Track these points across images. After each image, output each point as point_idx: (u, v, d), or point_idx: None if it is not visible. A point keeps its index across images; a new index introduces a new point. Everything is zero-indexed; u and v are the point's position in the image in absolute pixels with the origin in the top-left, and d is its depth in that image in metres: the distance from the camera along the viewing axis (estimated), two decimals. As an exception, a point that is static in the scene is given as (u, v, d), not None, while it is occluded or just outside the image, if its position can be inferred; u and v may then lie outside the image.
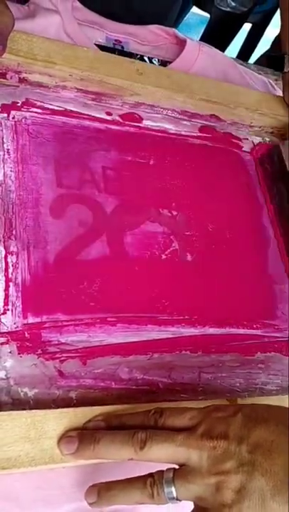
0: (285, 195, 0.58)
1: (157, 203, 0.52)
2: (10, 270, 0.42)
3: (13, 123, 0.49)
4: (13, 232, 0.44)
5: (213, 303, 0.50)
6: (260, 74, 0.74)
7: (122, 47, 0.67)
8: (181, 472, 0.33)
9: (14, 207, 0.45)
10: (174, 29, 0.68)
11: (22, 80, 0.51)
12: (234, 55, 1.75)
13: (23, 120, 0.50)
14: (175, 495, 0.32)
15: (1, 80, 0.50)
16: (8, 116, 0.49)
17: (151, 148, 0.55)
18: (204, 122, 0.60)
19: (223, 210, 0.56)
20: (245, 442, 0.32)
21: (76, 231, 0.47)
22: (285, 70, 0.63)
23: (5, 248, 0.43)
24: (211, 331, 0.48)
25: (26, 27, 0.57)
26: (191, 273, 0.50)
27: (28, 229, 0.45)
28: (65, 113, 0.53)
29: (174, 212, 0.53)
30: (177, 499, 0.33)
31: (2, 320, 0.40)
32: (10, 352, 0.40)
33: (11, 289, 0.42)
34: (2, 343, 0.40)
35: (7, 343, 0.40)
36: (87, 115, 0.54)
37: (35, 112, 0.51)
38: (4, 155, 0.47)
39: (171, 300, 0.48)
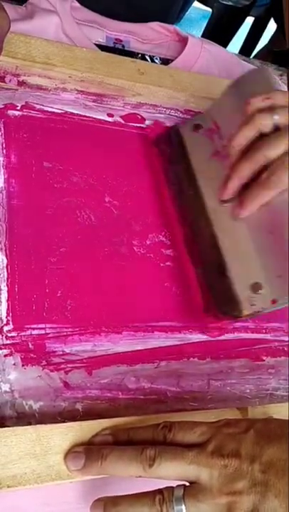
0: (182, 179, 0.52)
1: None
2: (12, 279, 0.41)
3: (12, 127, 0.48)
4: (15, 240, 0.43)
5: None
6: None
7: (123, 46, 0.66)
8: (192, 490, 0.32)
9: (15, 214, 0.44)
10: (174, 26, 0.67)
11: (21, 83, 0.50)
12: (237, 49, 1.74)
13: (23, 124, 0.49)
14: None
15: (0, 83, 0.49)
16: (7, 120, 0.48)
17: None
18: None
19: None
20: (258, 461, 0.31)
21: (80, 238, 0.46)
22: None
23: (7, 257, 0.42)
24: (219, 336, 0.47)
25: (24, 28, 0.56)
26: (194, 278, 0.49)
27: (31, 236, 0.44)
28: (66, 115, 0.51)
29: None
30: None
31: (5, 331, 0.40)
32: (14, 364, 0.39)
33: (14, 299, 0.41)
34: (6, 355, 0.39)
35: (11, 354, 0.39)
36: (88, 117, 0.53)
37: (35, 115, 0.50)
38: (4, 160, 0.46)
39: (175, 306, 0.47)
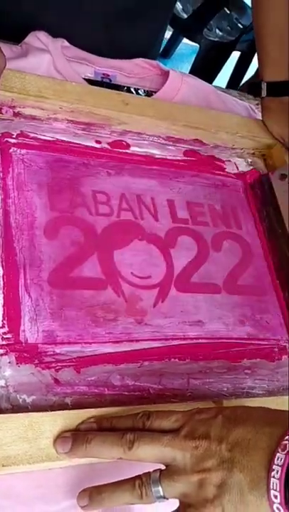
0: (273, 218, 0.62)
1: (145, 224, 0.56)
2: (8, 287, 0.46)
3: (8, 153, 0.53)
4: (10, 252, 0.48)
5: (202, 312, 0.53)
6: (242, 100, 0.78)
7: (110, 80, 0.72)
8: (167, 472, 0.36)
9: (11, 229, 0.49)
10: (157, 61, 0.73)
11: (16, 114, 0.55)
12: (225, 82, 1.82)
13: (18, 151, 0.54)
14: (162, 493, 0.35)
15: (-3, 114, 0.55)
16: (4, 146, 0.53)
17: (139, 172, 0.59)
18: (188, 146, 0.64)
19: (211, 227, 0.59)
20: (225, 441, 0.35)
21: (68, 250, 0.51)
22: (263, 96, 0.67)
23: (2, 267, 0.47)
24: (199, 340, 0.52)
25: (19, 65, 0.62)
26: (175, 286, 0.54)
27: (24, 249, 0.49)
28: (57, 143, 0.57)
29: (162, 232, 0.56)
30: (164, 497, 0.35)
31: (1, 333, 0.44)
32: (9, 362, 0.43)
33: (9, 305, 0.45)
34: (1, 354, 0.43)
35: (6, 354, 0.43)
36: (78, 144, 0.58)
37: (29, 143, 0.55)
38: (1, 182, 0.51)
39: (157, 310, 0.51)
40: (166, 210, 0.58)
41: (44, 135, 0.57)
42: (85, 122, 0.58)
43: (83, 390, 0.44)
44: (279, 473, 0.32)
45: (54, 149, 0.56)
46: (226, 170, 0.65)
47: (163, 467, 0.37)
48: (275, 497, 0.32)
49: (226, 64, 1.78)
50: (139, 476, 0.36)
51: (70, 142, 0.58)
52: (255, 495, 0.33)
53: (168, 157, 0.63)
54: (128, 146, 0.61)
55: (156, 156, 0.62)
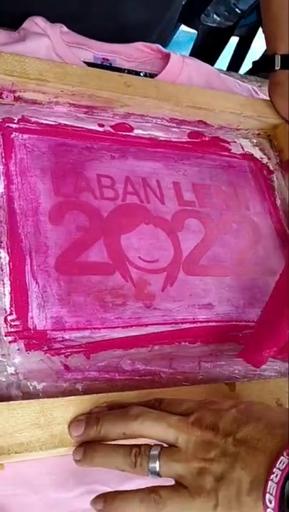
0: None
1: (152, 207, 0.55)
2: (14, 274, 0.45)
3: (10, 138, 0.52)
4: (16, 239, 0.47)
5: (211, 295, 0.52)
6: (244, 82, 0.77)
7: (110, 64, 0.71)
8: (168, 451, 0.35)
9: (16, 216, 0.48)
10: (157, 45, 0.72)
11: (17, 99, 0.54)
12: (224, 68, 1.80)
13: (20, 136, 0.53)
14: (158, 470, 0.34)
15: (-3, 99, 0.54)
16: (6, 132, 0.52)
17: (143, 155, 0.58)
18: (193, 128, 0.63)
19: (218, 209, 0.58)
20: (232, 436, 0.34)
21: (74, 235, 0.50)
22: (276, 68, 0.65)
23: (9, 254, 0.46)
24: (209, 323, 0.51)
25: (17, 50, 0.60)
26: (183, 269, 0.53)
27: (30, 235, 0.48)
28: (59, 127, 0.56)
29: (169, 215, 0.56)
30: (158, 474, 0.35)
31: (9, 320, 0.43)
32: (18, 349, 0.42)
33: (16, 292, 0.44)
34: (10, 342, 0.42)
35: (15, 341, 0.43)
36: (81, 127, 0.57)
37: (31, 128, 0.54)
38: (4, 168, 0.50)
39: (166, 294, 0.50)
40: (172, 192, 0.57)
41: (46, 119, 0.55)
42: (87, 105, 0.57)
43: (94, 375, 0.44)
44: (278, 477, 0.31)
45: (56, 134, 0.55)
46: (232, 151, 0.64)
47: (165, 444, 0.36)
48: (270, 501, 0.31)
49: (224, 50, 1.76)
50: (137, 445, 0.35)
51: (72, 126, 0.57)
52: (252, 496, 0.32)
53: (172, 139, 0.61)
54: (131, 128, 0.60)
55: (161, 139, 0.61)
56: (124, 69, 0.69)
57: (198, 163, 0.61)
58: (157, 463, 0.34)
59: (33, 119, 0.55)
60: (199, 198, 0.58)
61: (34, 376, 0.42)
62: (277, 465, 0.31)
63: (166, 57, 0.71)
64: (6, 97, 0.54)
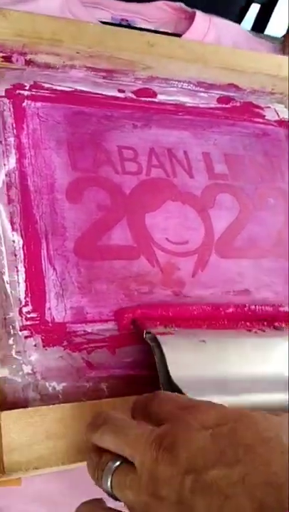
0: None
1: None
2: (29, 260, 0.40)
3: (22, 107, 0.47)
4: (30, 220, 0.42)
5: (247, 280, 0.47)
6: (274, 43, 0.70)
7: (129, 24, 0.65)
8: (124, 470, 0.28)
9: (29, 194, 0.43)
10: (180, 3, 0.65)
11: (28, 62, 0.49)
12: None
13: (33, 104, 0.48)
14: (110, 490, 0.28)
15: (7, 63, 0.48)
16: (17, 100, 0.47)
17: (168, 123, 0.52)
18: (222, 92, 0.57)
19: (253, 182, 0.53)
20: (193, 476, 0.24)
21: (95, 215, 0.45)
22: None
23: (23, 237, 0.41)
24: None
25: (28, 9, 0.55)
26: (216, 252, 0.48)
27: (45, 216, 0.43)
28: (76, 93, 0.50)
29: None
30: (112, 496, 0.29)
31: (24, 312, 0.39)
32: (35, 345, 0.38)
33: (32, 280, 0.40)
34: (26, 337, 0.38)
35: (31, 336, 0.38)
36: (99, 94, 0.51)
37: (45, 95, 0.49)
38: (15, 141, 0.45)
39: (197, 280, 0.45)
40: (201, 164, 0.51)
41: (60, 85, 0.50)
42: (106, 69, 0.51)
43: (119, 373, 0.39)
44: None
45: (72, 101, 0.49)
46: (266, 117, 0.58)
47: None
48: None
49: (244, 20, 1.66)
50: (103, 454, 0.29)
51: (89, 92, 0.51)
52: None
53: (200, 105, 0.55)
54: (155, 94, 0.54)
55: (187, 105, 0.55)
56: (146, 29, 0.62)
57: (230, 131, 0.55)
58: (109, 480, 0.28)
59: (47, 85, 0.49)
60: (232, 170, 0.52)
61: (53, 375, 0.37)
62: None
63: (191, 17, 0.64)
64: (17, 60, 0.48)
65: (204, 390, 0.34)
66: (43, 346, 0.38)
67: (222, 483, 0.23)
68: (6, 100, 0.47)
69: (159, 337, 0.37)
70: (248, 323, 0.43)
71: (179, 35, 0.63)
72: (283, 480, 0.22)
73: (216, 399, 0.30)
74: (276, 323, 0.45)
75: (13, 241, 0.41)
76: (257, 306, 0.43)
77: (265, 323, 0.43)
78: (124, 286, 0.43)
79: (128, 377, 0.39)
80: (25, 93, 0.48)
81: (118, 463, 0.28)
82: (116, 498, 0.28)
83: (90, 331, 0.40)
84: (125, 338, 0.41)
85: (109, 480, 0.28)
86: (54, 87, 0.49)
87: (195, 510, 0.24)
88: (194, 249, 0.47)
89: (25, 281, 0.40)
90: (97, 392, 0.38)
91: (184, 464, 0.25)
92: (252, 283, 0.47)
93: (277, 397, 0.37)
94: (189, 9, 0.66)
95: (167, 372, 0.35)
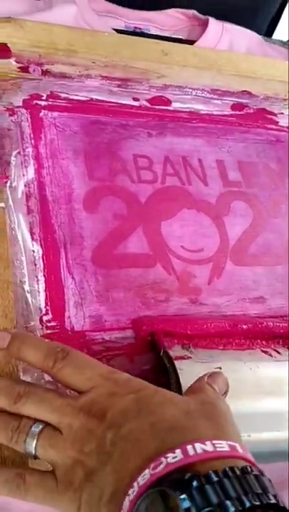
0: None
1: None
2: (49, 269, 0.41)
3: (39, 117, 0.47)
4: (49, 230, 0.43)
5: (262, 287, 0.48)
6: (286, 48, 0.71)
7: (143, 33, 0.65)
8: (50, 432, 0.31)
9: (48, 204, 0.44)
10: (193, 11, 0.66)
11: (45, 73, 0.49)
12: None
13: (50, 114, 0.48)
14: (33, 452, 0.30)
15: (24, 73, 0.49)
16: (34, 110, 0.48)
17: (183, 131, 0.53)
18: (236, 99, 0.57)
19: (267, 189, 0.53)
20: (114, 430, 0.29)
21: (111, 224, 0.45)
22: None
23: (42, 247, 0.42)
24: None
25: (43, 19, 0.55)
26: (231, 259, 0.48)
27: (64, 226, 0.44)
28: (91, 103, 0.51)
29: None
30: (35, 457, 0.31)
31: (44, 320, 0.39)
32: (55, 353, 0.39)
33: (52, 289, 0.41)
34: (46, 345, 0.39)
35: (51, 344, 0.39)
36: (114, 103, 0.52)
37: (61, 104, 0.49)
38: (33, 151, 0.46)
39: (213, 288, 0.46)
40: (215, 172, 0.52)
41: (76, 95, 0.51)
42: (121, 78, 0.52)
43: (138, 380, 0.40)
44: (134, 494, 0.25)
45: (88, 110, 0.50)
46: (279, 124, 0.58)
47: None
48: None
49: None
50: (20, 418, 0.31)
51: (105, 101, 0.52)
52: (109, 511, 0.27)
53: (214, 112, 0.56)
54: (169, 102, 0.54)
55: (202, 112, 0.55)
56: (160, 36, 0.63)
57: (244, 139, 0.55)
58: (34, 442, 0.30)
59: (63, 95, 0.50)
60: (246, 178, 0.53)
61: (73, 384, 0.38)
62: (138, 479, 0.26)
63: (204, 24, 0.65)
64: (33, 71, 0.49)
65: None
66: (63, 355, 0.39)
67: (136, 432, 0.28)
68: (24, 111, 0.47)
69: (176, 362, 0.37)
70: (263, 342, 0.43)
71: (192, 42, 0.63)
72: (178, 424, 0.28)
73: None
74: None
75: (33, 251, 0.41)
76: (273, 323, 0.43)
77: (281, 341, 0.44)
78: (141, 294, 0.43)
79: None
80: (42, 103, 0.49)
81: (41, 426, 0.31)
82: (35, 458, 0.31)
83: (108, 338, 0.41)
84: (143, 346, 0.41)
85: (34, 442, 0.30)
86: (70, 97, 0.50)
87: (113, 457, 0.28)
88: (209, 257, 0.47)
89: (45, 291, 0.40)
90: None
91: (108, 422, 0.29)
92: (267, 290, 0.48)
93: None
94: (202, 16, 0.66)
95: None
